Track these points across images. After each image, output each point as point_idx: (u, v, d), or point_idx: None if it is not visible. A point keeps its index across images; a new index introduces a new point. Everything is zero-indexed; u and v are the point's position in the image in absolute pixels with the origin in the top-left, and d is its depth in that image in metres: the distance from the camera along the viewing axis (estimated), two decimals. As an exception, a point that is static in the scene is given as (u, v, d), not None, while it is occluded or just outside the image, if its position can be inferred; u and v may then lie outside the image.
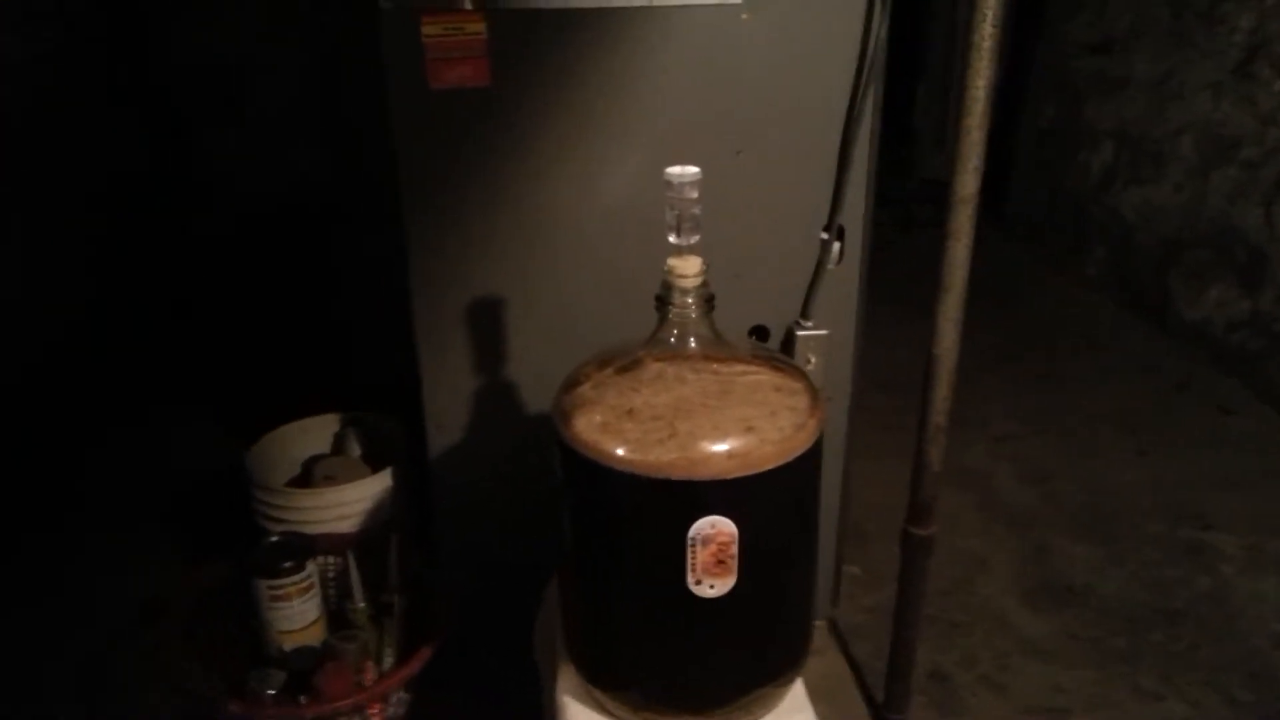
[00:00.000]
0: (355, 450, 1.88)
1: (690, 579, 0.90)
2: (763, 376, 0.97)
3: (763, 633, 0.98)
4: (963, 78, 1.18)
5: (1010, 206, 3.76)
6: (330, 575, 1.58)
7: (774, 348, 1.48)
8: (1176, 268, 2.86)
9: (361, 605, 1.50)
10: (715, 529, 0.89)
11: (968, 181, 1.21)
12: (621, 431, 0.90)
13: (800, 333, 1.46)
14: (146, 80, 2.99)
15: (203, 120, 3.09)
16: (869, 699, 1.61)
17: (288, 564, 1.44)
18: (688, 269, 0.92)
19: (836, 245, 1.43)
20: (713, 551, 0.89)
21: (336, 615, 1.54)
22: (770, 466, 0.89)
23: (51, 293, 2.51)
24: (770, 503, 0.92)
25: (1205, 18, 2.75)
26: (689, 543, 0.89)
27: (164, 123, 3.06)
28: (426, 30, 1.26)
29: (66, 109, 2.62)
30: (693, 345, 0.95)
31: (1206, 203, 2.75)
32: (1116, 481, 2.20)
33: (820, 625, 1.75)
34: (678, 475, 0.87)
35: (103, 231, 2.78)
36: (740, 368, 0.97)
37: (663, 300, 0.94)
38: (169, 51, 3.00)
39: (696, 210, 0.91)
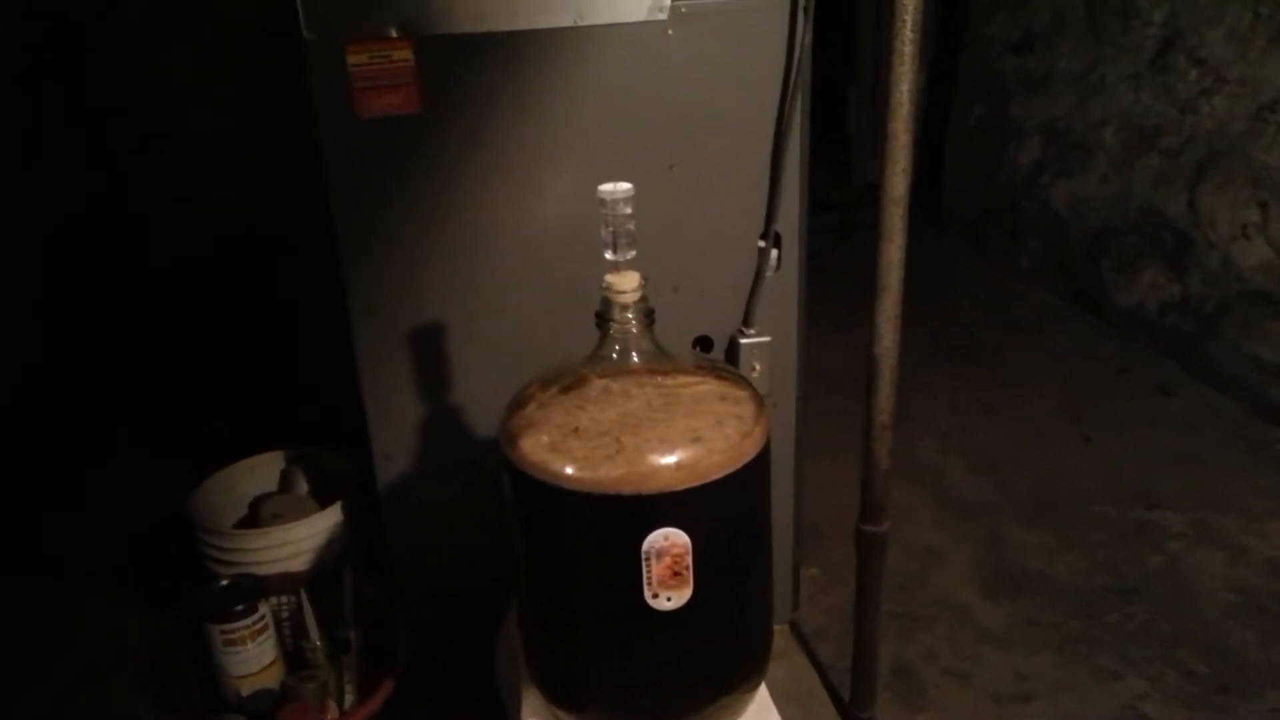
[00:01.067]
0: (302, 487, 1.85)
1: (647, 593, 0.90)
2: (707, 387, 0.97)
3: (723, 641, 0.98)
4: (886, 83, 1.20)
5: (944, 204, 3.83)
6: (284, 615, 1.55)
7: (718, 357, 1.49)
8: (1108, 256, 2.93)
9: (318, 644, 1.48)
10: (669, 541, 0.89)
11: (897, 183, 1.23)
12: (569, 450, 0.90)
13: (743, 341, 1.47)
14: (80, 115, 2.93)
15: (141, 153, 3.03)
16: (835, 699, 1.61)
17: (239, 607, 1.42)
18: (625, 284, 0.92)
19: (774, 252, 1.44)
20: (667, 564, 0.89)
21: (293, 655, 1.51)
22: (719, 475, 0.89)
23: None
24: (722, 512, 0.92)
25: (1120, 13, 2.83)
26: (643, 557, 0.89)
27: (100, 157, 3.00)
28: (353, 59, 1.26)
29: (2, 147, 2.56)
30: (635, 360, 0.95)
31: (1132, 191, 2.82)
32: (1064, 467, 2.24)
33: (782, 629, 1.76)
34: (627, 490, 0.87)
35: (47, 271, 2.71)
36: (684, 379, 0.97)
37: (603, 317, 0.94)
38: (102, 85, 2.95)
39: (631, 226, 0.92)
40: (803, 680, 1.66)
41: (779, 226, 1.44)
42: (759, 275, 1.45)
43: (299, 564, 1.63)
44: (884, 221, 1.25)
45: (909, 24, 1.18)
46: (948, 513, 2.11)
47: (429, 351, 1.40)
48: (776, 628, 1.61)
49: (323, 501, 1.77)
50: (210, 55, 2.92)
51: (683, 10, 1.31)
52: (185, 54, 2.92)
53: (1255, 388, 2.40)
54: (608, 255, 0.93)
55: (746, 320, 1.47)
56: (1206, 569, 1.88)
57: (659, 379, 0.96)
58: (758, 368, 1.47)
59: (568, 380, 0.97)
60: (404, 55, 1.27)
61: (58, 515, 2.23)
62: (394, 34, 1.26)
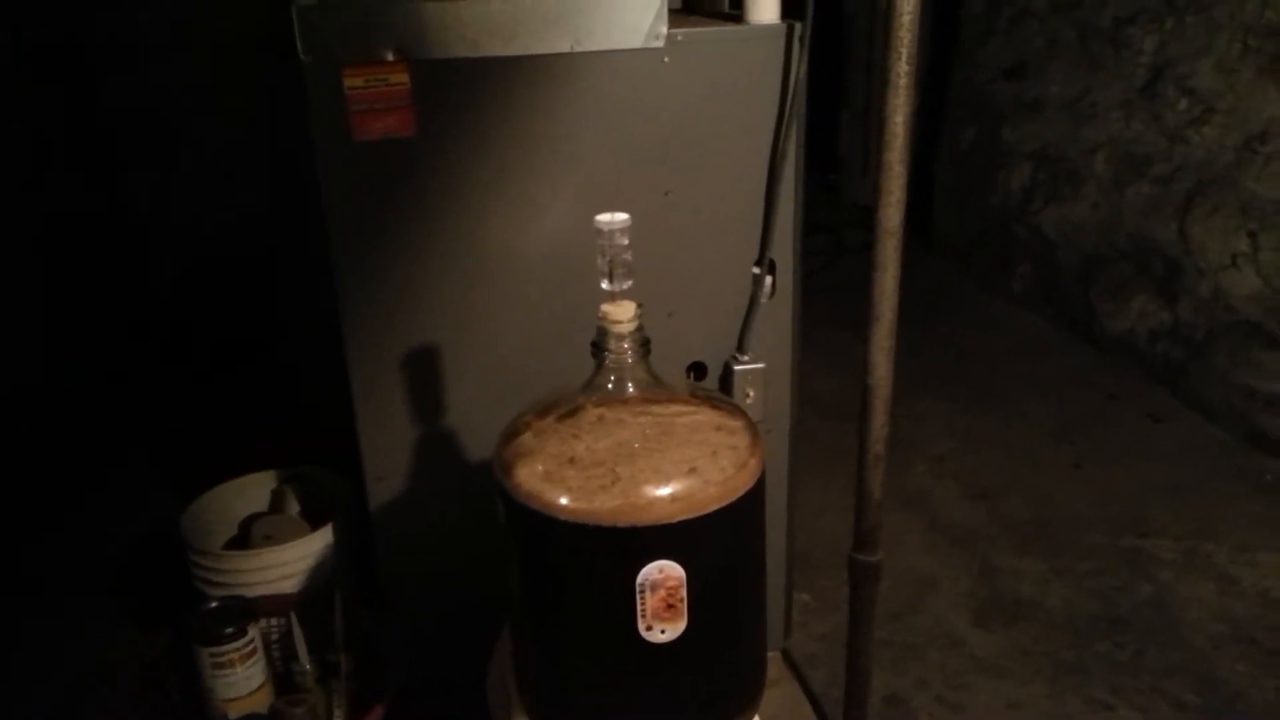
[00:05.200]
0: (294, 507, 1.84)
1: (641, 625, 0.90)
2: (702, 416, 0.97)
3: (717, 673, 0.97)
4: (881, 113, 1.21)
5: (935, 227, 3.85)
6: (273, 638, 1.54)
7: (712, 383, 1.49)
8: (1098, 282, 2.95)
9: (308, 667, 1.47)
10: (663, 573, 0.88)
11: (892, 214, 1.23)
12: (564, 480, 0.90)
13: (738, 367, 1.47)
14: (81, 127, 2.93)
15: (140, 167, 3.03)
16: (827, 728, 1.61)
17: (229, 630, 1.40)
18: (621, 314, 0.92)
19: (769, 279, 1.45)
20: (662, 596, 0.89)
21: (282, 678, 1.50)
22: (715, 508, 0.89)
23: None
24: (717, 543, 0.92)
25: (1111, 41, 2.86)
26: (638, 589, 0.88)
27: (100, 170, 2.99)
28: (349, 83, 1.26)
29: (2, 159, 2.55)
30: (631, 389, 0.95)
31: (1123, 218, 2.84)
32: (1055, 494, 2.25)
33: (774, 656, 1.75)
34: (622, 522, 0.87)
35: (45, 285, 2.70)
36: (679, 409, 0.97)
37: (598, 346, 0.94)
38: (103, 97, 2.95)
39: (628, 256, 0.92)
40: (795, 709, 1.65)
41: (774, 253, 1.44)
42: (753, 302, 1.45)
43: (289, 586, 1.62)
44: (878, 252, 1.25)
45: (904, 56, 1.18)
46: (939, 539, 2.11)
47: (422, 374, 1.40)
48: (769, 655, 1.60)
49: (314, 522, 1.76)
50: (214, 70, 2.93)
51: (679, 39, 1.32)
52: (188, 68, 2.93)
53: (1245, 417, 2.41)
54: (604, 285, 0.93)
55: (741, 346, 1.47)
56: (1197, 599, 1.88)
57: (654, 408, 0.96)
58: (752, 394, 1.47)
59: (563, 409, 0.97)
60: (400, 79, 1.27)
61: (50, 533, 2.21)
62: (390, 58, 1.26)
